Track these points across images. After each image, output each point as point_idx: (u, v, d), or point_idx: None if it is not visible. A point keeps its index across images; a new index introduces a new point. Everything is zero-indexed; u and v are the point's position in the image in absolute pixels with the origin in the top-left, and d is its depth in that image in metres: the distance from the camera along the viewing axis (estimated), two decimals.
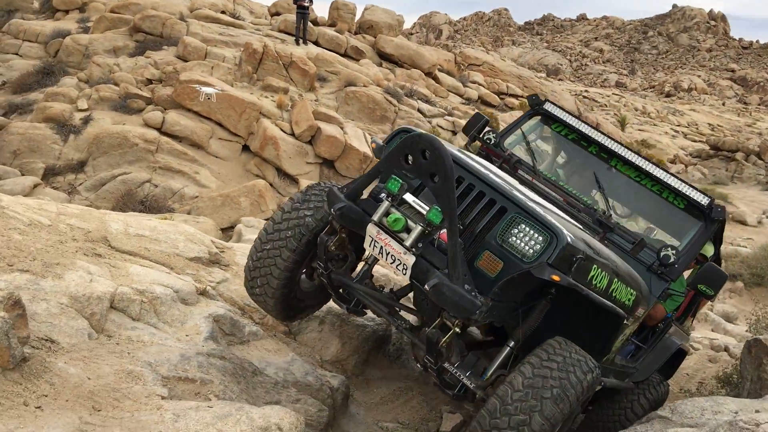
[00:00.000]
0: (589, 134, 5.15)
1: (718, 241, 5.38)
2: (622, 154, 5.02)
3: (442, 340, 3.64)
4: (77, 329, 3.95)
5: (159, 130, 15.16)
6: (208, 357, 4.40)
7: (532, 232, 3.42)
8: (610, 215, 4.70)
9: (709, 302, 6.74)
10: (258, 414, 3.50)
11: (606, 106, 51.20)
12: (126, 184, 13.93)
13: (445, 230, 3.41)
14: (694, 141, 42.80)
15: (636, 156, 4.98)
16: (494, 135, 5.28)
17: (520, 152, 5.30)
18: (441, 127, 19.54)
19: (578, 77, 77.67)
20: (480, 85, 26.82)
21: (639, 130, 42.26)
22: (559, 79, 65.11)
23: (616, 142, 5.08)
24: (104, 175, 14.09)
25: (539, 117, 5.48)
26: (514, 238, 3.44)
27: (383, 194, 3.62)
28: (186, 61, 18.40)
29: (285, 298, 4.40)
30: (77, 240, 5.28)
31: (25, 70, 19.41)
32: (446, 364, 3.80)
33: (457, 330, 3.59)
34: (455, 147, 4.16)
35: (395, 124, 18.10)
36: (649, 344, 5.28)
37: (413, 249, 3.46)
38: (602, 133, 5.16)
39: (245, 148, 15.90)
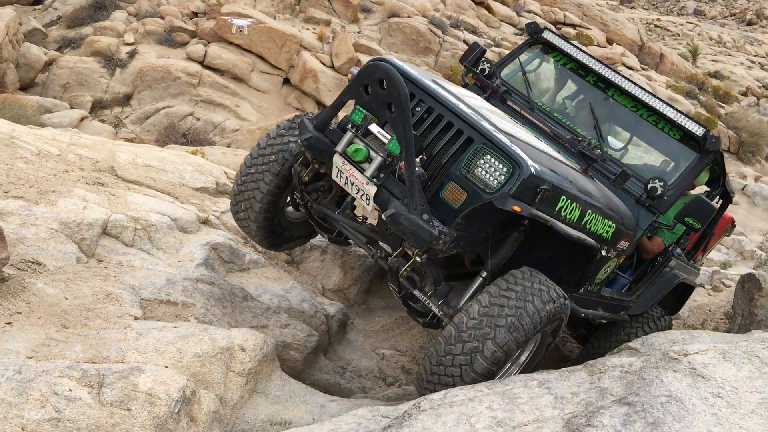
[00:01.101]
0: (587, 63, 4.97)
1: (721, 173, 5.17)
2: (619, 84, 4.84)
3: (402, 268, 3.70)
4: (65, 253, 4.16)
5: (201, 64, 15.35)
6: (195, 282, 4.58)
7: (496, 162, 3.38)
8: (596, 146, 4.57)
9: (725, 236, 6.51)
10: (222, 335, 3.65)
11: (678, 35, 48.63)
12: (169, 117, 14.25)
13: None
14: None
15: (633, 85, 4.80)
16: (490, 66, 5.15)
17: (517, 83, 5.17)
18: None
19: (653, 5, 73.78)
20: (535, 14, 25.88)
21: (712, 60, 40.17)
22: (632, 7, 61.93)
23: (614, 71, 4.90)
24: (148, 109, 14.43)
25: (539, 46, 5.31)
26: (479, 169, 3.41)
27: (349, 125, 3.64)
28: None
29: (268, 225, 4.49)
30: (84, 169, 5.50)
31: (78, 5, 19.74)
32: (416, 292, 3.85)
33: (418, 259, 3.62)
34: (430, 76, 4.10)
35: (439, 56, 17.77)
36: (648, 277, 5.19)
37: (374, 179, 3.48)
38: (601, 62, 4.97)
39: (286, 81, 15.95)
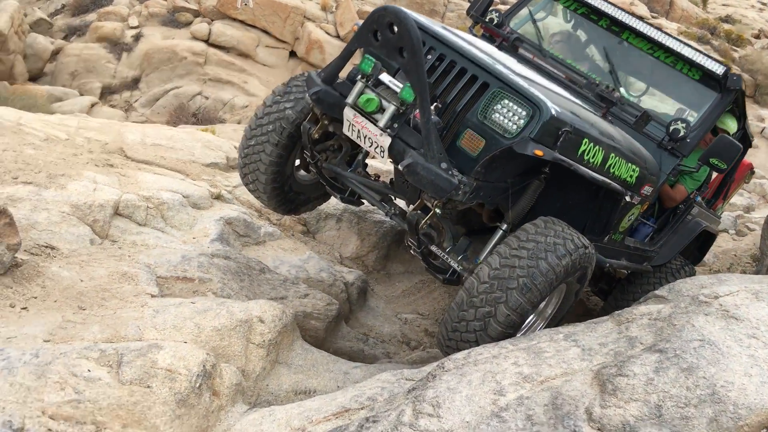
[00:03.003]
0: (599, 7, 4.79)
1: (742, 115, 4.99)
2: (634, 26, 4.65)
3: (422, 221, 3.60)
4: (78, 236, 4.12)
5: (206, 42, 15.23)
6: (211, 257, 4.53)
7: (514, 106, 3.25)
8: (614, 89, 4.41)
9: (745, 183, 6.33)
10: (239, 308, 3.60)
11: None
12: (178, 98, 14.19)
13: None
14: None
15: (648, 27, 4.61)
16: (498, 15, 4.99)
17: (527, 32, 5.00)
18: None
19: None
20: None
21: (723, 5, 39.19)
22: None
23: (628, 13, 4.71)
24: (157, 91, 14.38)
25: None
26: (497, 114, 3.28)
27: (359, 75, 3.51)
28: None
29: (279, 193, 4.41)
30: (93, 152, 5.46)
31: None
32: (434, 247, 3.76)
33: (438, 211, 3.52)
34: (439, 24, 3.95)
35: (445, 18, 17.45)
36: (670, 226, 5.06)
37: (388, 130, 3.36)
38: (613, 4, 4.78)
39: (292, 54, 15.80)
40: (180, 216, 4.93)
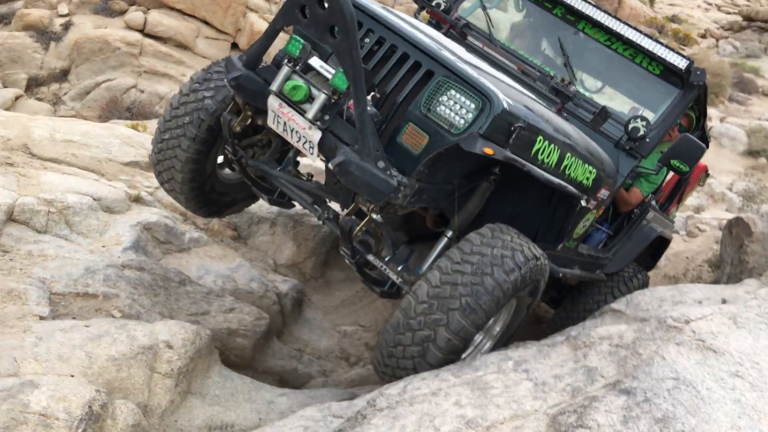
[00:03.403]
0: None
1: (702, 113, 4.72)
2: (591, 15, 4.31)
3: (356, 228, 3.18)
4: None
5: (141, 32, 14.42)
6: (121, 269, 4.01)
7: (462, 98, 2.84)
8: (570, 83, 4.06)
9: (699, 186, 6.10)
10: (143, 332, 3.11)
11: None
12: (111, 91, 13.40)
13: None
14: (728, 14, 40.33)
15: (606, 16, 4.27)
16: (446, 0, 4.59)
17: (477, 19, 4.62)
18: None
19: None
20: None
21: (669, 5, 40.00)
22: None
23: (585, 0, 4.36)
24: (88, 83, 13.55)
25: None
26: (442, 107, 2.87)
27: (285, 59, 3.04)
28: None
29: (198, 192, 3.92)
30: None
31: None
32: (371, 257, 3.33)
33: (375, 216, 3.11)
34: (379, 4, 3.52)
35: (395, 4, 17.03)
36: (624, 232, 4.75)
37: (318, 122, 2.90)
38: None
39: (234, 45, 15.12)
40: (88, 222, 4.38)
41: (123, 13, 15.16)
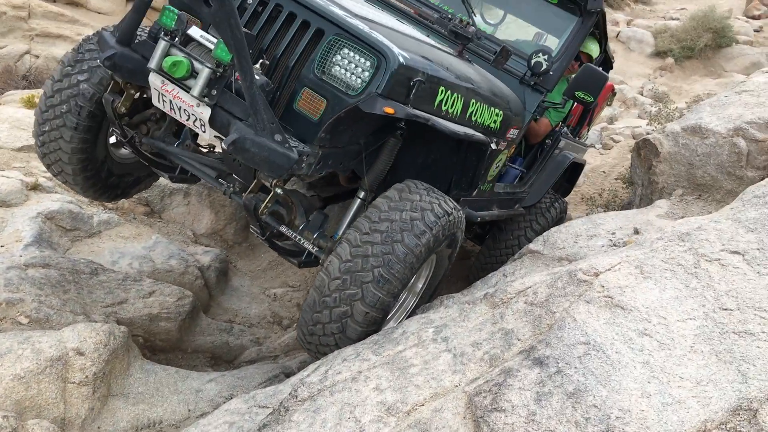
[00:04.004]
0: None
1: (603, 37, 4.68)
2: None
3: (261, 205, 3.05)
4: None
5: None
6: (24, 269, 3.78)
7: (356, 56, 2.69)
8: (468, 23, 3.94)
9: (607, 105, 6.15)
10: (49, 342, 2.95)
11: None
12: (2, 59, 12.48)
13: None
14: None
15: None
16: None
17: None
18: None
19: None
20: None
21: None
22: None
23: None
24: None
25: None
26: (337, 67, 2.71)
27: (161, 32, 2.81)
28: None
29: (95, 180, 3.67)
30: None
31: None
32: (283, 228, 3.21)
33: (278, 191, 2.99)
34: None
35: None
36: (539, 164, 4.76)
37: (205, 99, 2.69)
38: None
39: None
40: None
41: None
